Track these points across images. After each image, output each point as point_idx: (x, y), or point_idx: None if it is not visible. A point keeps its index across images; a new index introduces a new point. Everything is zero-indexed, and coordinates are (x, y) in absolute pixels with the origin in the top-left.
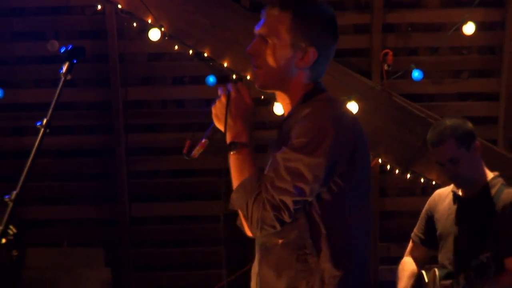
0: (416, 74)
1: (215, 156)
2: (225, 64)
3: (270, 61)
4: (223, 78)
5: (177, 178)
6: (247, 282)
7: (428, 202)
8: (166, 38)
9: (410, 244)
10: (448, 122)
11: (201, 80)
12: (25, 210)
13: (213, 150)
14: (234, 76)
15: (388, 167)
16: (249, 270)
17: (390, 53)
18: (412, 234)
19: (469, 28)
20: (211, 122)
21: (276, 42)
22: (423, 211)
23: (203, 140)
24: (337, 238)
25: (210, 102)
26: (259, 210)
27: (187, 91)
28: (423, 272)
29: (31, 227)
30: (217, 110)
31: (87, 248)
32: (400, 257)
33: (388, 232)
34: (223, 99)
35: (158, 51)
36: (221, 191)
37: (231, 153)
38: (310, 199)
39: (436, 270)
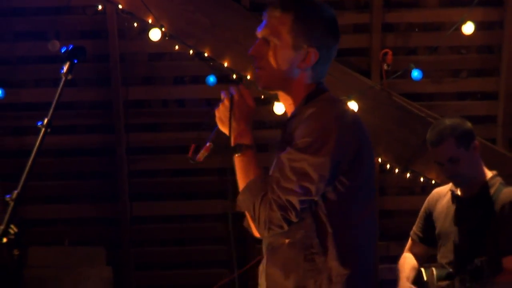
0: (416, 73)
1: (215, 156)
2: (226, 64)
3: (272, 62)
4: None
5: (178, 177)
6: (247, 281)
7: (426, 200)
8: (167, 38)
9: (409, 242)
10: (448, 121)
11: (202, 79)
12: (26, 210)
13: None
14: (234, 76)
15: (388, 166)
16: (250, 269)
17: (390, 52)
18: (411, 232)
19: (468, 28)
20: (213, 122)
21: (277, 43)
22: (422, 209)
23: (208, 144)
24: (344, 236)
25: (210, 101)
26: (266, 210)
27: (188, 90)
28: (422, 269)
29: (32, 226)
30: (221, 113)
31: (88, 247)
32: (400, 256)
33: (387, 231)
34: (226, 102)
35: (158, 51)
36: (229, 191)
37: (236, 155)
38: (316, 198)
39: (434, 269)
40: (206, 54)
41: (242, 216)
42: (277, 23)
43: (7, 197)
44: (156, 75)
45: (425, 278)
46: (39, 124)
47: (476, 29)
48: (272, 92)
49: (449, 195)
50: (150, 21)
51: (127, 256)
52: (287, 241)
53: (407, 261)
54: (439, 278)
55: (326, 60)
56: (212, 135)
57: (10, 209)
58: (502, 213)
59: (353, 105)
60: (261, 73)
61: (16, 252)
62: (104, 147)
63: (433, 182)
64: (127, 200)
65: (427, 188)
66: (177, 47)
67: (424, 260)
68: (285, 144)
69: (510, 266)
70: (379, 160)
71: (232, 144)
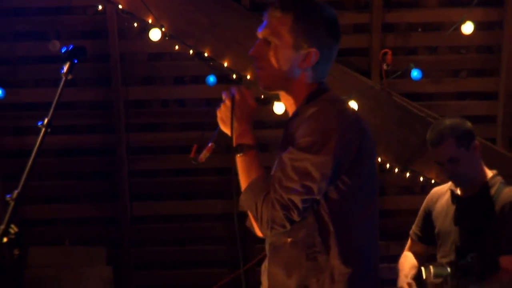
0: (416, 73)
1: (216, 156)
2: (225, 64)
3: (273, 62)
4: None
5: (178, 177)
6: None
7: (426, 199)
8: (167, 38)
9: (409, 241)
10: (448, 122)
11: (202, 79)
12: (27, 209)
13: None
14: (234, 76)
15: (388, 166)
16: (250, 268)
17: (390, 52)
18: (411, 231)
19: (468, 28)
20: (213, 121)
21: (278, 43)
22: (421, 208)
23: (210, 144)
24: (346, 235)
25: (210, 101)
26: (269, 210)
27: (188, 90)
28: (422, 268)
29: (33, 226)
30: (222, 114)
31: (88, 247)
32: (399, 255)
33: (387, 231)
34: (227, 102)
35: (158, 51)
36: (233, 190)
37: (238, 155)
38: (318, 197)
39: (432, 267)
40: (206, 54)
41: (244, 216)
42: (278, 24)
43: (8, 197)
44: (156, 75)
45: (424, 277)
46: (39, 124)
47: (476, 29)
48: (273, 92)
49: (448, 194)
50: (150, 21)
51: (127, 256)
52: (289, 240)
53: (407, 260)
54: (436, 276)
55: (327, 60)
56: (214, 136)
57: (10, 209)
58: (502, 213)
59: (353, 105)
60: (262, 73)
61: (16, 252)
62: (104, 147)
63: (433, 181)
64: (127, 200)
65: (427, 188)
66: (177, 47)
67: (423, 259)
68: (286, 144)
69: (507, 265)
70: (379, 159)
71: (234, 144)
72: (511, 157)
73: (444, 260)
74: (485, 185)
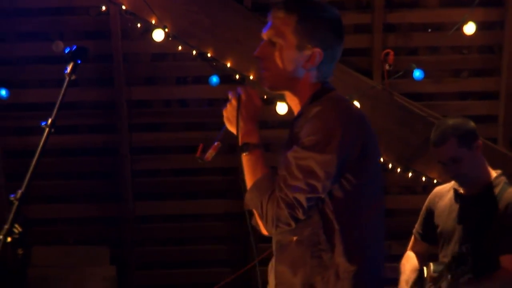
0: (417, 73)
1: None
2: (228, 64)
3: (278, 62)
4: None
5: (180, 177)
6: (250, 279)
7: (428, 198)
8: (170, 38)
9: (412, 240)
10: (450, 121)
11: (204, 80)
12: (30, 209)
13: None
14: (237, 76)
15: (390, 165)
16: (252, 268)
17: (392, 52)
18: (414, 230)
19: (469, 28)
20: (215, 121)
21: (282, 44)
22: (424, 207)
23: (216, 143)
24: (351, 233)
25: (213, 101)
26: (274, 208)
27: (190, 91)
28: (424, 268)
29: (36, 225)
30: (228, 113)
31: (92, 246)
32: (401, 255)
33: (388, 230)
34: (233, 102)
35: (161, 51)
36: (242, 189)
37: (244, 154)
38: (322, 195)
39: (432, 264)
40: (209, 55)
41: (243, 215)
42: (281, 24)
43: (12, 197)
44: (159, 75)
45: (425, 275)
46: (43, 124)
47: (477, 29)
48: (278, 92)
49: (451, 193)
50: (153, 21)
51: (130, 255)
52: (295, 238)
53: (409, 262)
54: (435, 271)
55: (331, 60)
56: (220, 135)
57: (14, 208)
58: (506, 212)
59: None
60: (267, 74)
61: (20, 251)
62: (107, 147)
63: (435, 181)
64: (130, 199)
65: (429, 188)
66: (180, 47)
67: (426, 258)
68: (291, 144)
69: (507, 265)
70: (381, 159)
71: (240, 143)
72: None
73: (447, 260)
74: (489, 184)
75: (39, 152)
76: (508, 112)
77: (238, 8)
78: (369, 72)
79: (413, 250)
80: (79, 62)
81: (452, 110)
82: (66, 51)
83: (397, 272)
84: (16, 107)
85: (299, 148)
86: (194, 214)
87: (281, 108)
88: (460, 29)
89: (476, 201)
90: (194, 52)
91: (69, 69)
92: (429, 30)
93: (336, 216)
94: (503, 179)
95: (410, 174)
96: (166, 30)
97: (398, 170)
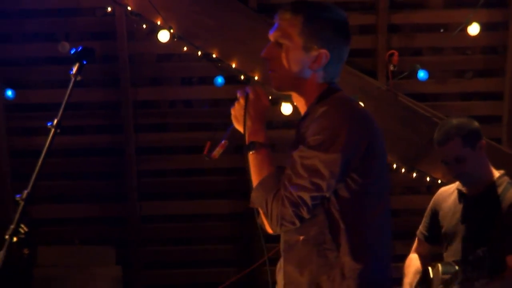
0: (422, 74)
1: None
2: (233, 65)
3: (284, 64)
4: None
5: (186, 177)
6: (255, 279)
7: (433, 199)
8: (175, 39)
9: (416, 241)
10: (454, 121)
11: (209, 80)
12: (36, 209)
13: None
14: (242, 77)
15: (394, 166)
16: (258, 267)
17: (396, 53)
18: (418, 231)
19: (473, 29)
20: (219, 121)
21: (289, 45)
22: (428, 208)
23: (223, 141)
24: (356, 232)
25: (218, 102)
26: (279, 207)
27: (196, 91)
28: (429, 268)
29: (42, 226)
30: (236, 112)
31: (97, 246)
32: (405, 255)
33: (392, 230)
34: (241, 101)
35: (167, 52)
36: (249, 189)
37: (250, 153)
38: (327, 195)
39: (440, 265)
40: (214, 55)
41: (248, 215)
42: (288, 26)
43: (18, 197)
44: (164, 76)
45: (431, 276)
46: (48, 124)
47: (481, 30)
48: (285, 93)
49: (455, 194)
50: (158, 22)
51: (136, 255)
52: (301, 238)
53: (412, 263)
54: (444, 273)
55: (338, 61)
56: (227, 133)
57: (20, 208)
58: (509, 212)
59: None
60: (274, 75)
61: (25, 251)
62: (113, 147)
63: (439, 181)
64: (135, 199)
65: (433, 188)
66: (185, 48)
67: (430, 259)
68: (298, 144)
69: None
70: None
71: (247, 142)
72: None
73: (451, 259)
74: (492, 184)
75: (45, 152)
76: None
77: (243, 9)
78: (373, 72)
79: (417, 251)
80: (85, 62)
81: (456, 110)
82: (72, 52)
83: (400, 272)
84: (22, 108)
85: (304, 148)
86: (200, 214)
87: (286, 109)
88: (464, 29)
89: (479, 201)
90: (199, 53)
91: (74, 69)
92: (442, 30)
93: (342, 216)
94: (506, 179)
95: (414, 174)
96: (172, 31)
97: (403, 170)
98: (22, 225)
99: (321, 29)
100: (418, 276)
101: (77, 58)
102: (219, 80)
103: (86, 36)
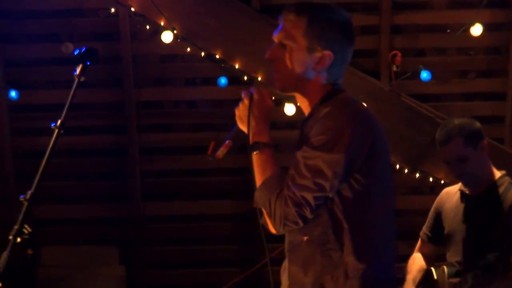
0: (425, 75)
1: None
2: (237, 66)
3: (288, 65)
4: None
5: (189, 177)
6: (259, 279)
7: (436, 200)
8: (178, 40)
9: (419, 242)
10: (456, 121)
11: (213, 81)
12: (40, 209)
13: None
14: (245, 78)
15: (397, 166)
16: (261, 268)
17: (399, 54)
18: (421, 232)
19: (476, 30)
20: (224, 122)
21: (293, 46)
22: (432, 209)
23: (227, 142)
24: (360, 232)
25: (223, 102)
26: (282, 206)
27: (199, 92)
28: (432, 269)
29: (46, 226)
30: (240, 112)
31: (101, 247)
32: (408, 255)
33: (396, 230)
34: (246, 101)
35: (170, 52)
36: (253, 189)
37: (254, 153)
38: (330, 195)
39: (445, 267)
40: (217, 56)
41: (251, 215)
42: (292, 27)
43: (21, 198)
44: (167, 77)
45: (435, 277)
46: (52, 125)
47: (484, 30)
48: (289, 94)
49: (458, 194)
50: (162, 23)
51: (139, 255)
52: (305, 238)
53: (416, 262)
54: (450, 275)
55: (342, 62)
56: (232, 133)
57: (24, 209)
58: (510, 212)
59: None
60: (278, 76)
61: (29, 251)
62: (116, 147)
63: (442, 182)
64: (139, 200)
65: (436, 188)
66: (188, 49)
67: (433, 260)
68: (301, 144)
69: None
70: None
71: (250, 142)
72: None
73: (453, 259)
74: (493, 184)
75: (49, 153)
76: None
77: (245, 9)
78: (376, 73)
79: (420, 251)
80: (88, 63)
81: (458, 111)
82: (76, 53)
83: (403, 272)
84: (26, 108)
85: (308, 148)
86: (203, 214)
87: (289, 109)
88: (467, 30)
89: (480, 201)
90: (203, 54)
91: (78, 70)
92: (448, 31)
93: (345, 216)
94: (508, 179)
95: (417, 175)
96: (175, 31)
97: (406, 170)
98: (26, 226)
99: (324, 30)
100: (421, 273)
101: (80, 59)
102: (223, 80)
103: (89, 37)
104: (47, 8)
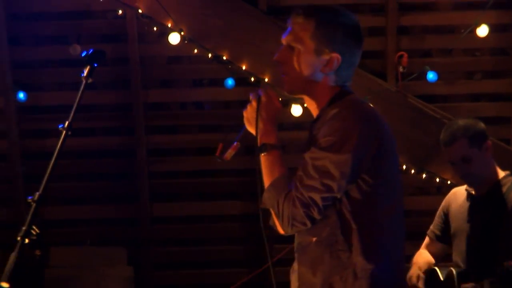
0: (431, 75)
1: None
2: (243, 67)
3: (296, 67)
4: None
5: (196, 178)
6: (267, 280)
7: (445, 199)
8: (186, 41)
9: (426, 240)
10: (461, 122)
11: (220, 82)
12: (48, 210)
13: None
14: (252, 79)
15: (404, 167)
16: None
17: (405, 55)
18: (428, 231)
19: (482, 31)
20: (231, 123)
21: (301, 48)
22: (440, 208)
23: (235, 143)
24: (368, 233)
25: (228, 104)
26: (290, 207)
27: (206, 93)
28: (437, 269)
29: (54, 227)
30: (248, 114)
31: (109, 247)
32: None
33: None
34: (254, 103)
35: (177, 54)
36: (259, 190)
37: (262, 154)
38: (338, 195)
39: (453, 269)
40: (224, 57)
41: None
42: (300, 29)
43: (29, 199)
44: (175, 78)
45: (441, 278)
46: (60, 126)
47: (490, 31)
48: (297, 96)
49: (465, 194)
50: (169, 25)
51: (147, 255)
52: (314, 239)
53: (422, 256)
54: (460, 279)
55: (350, 65)
56: (240, 135)
57: (32, 210)
58: None
59: None
60: (286, 78)
61: (37, 252)
62: (124, 149)
63: (449, 182)
64: (147, 200)
65: (443, 189)
66: (195, 50)
67: (439, 259)
68: (310, 146)
69: None
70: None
71: (258, 143)
72: None
73: (458, 259)
74: (497, 184)
75: (57, 154)
76: None
77: (252, 11)
78: (383, 74)
79: (427, 249)
80: (96, 65)
81: (465, 111)
82: (83, 55)
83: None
84: (34, 110)
85: (316, 149)
86: (210, 215)
87: (296, 111)
88: (473, 31)
89: (483, 201)
90: (210, 55)
91: (86, 72)
92: (462, 31)
93: (354, 216)
94: (511, 179)
95: (424, 175)
96: (182, 33)
97: (412, 171)
98: (34, 227)
99: (332, 33)
100: (428, 266)
101: (88, 60)
102: (230, 82)
103: (97, 39)
104: (55, 10)
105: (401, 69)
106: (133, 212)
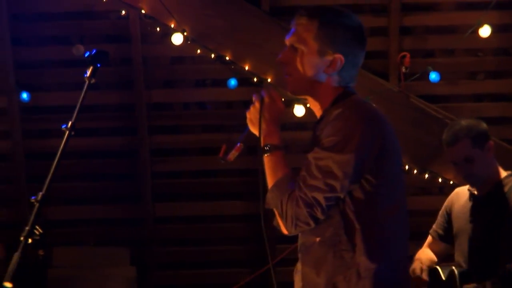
0: (434, 76)
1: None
2: (246, 67)
3: (300, 68)
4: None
5: (199, 179)
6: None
7: (447, 199)
8: (189, 42)
9: (428, 239)
10: (463, 122)
11: (223, 83)
12: (51, 211)
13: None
14: (255, 79)
15: (406, 167)
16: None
17: (408, 55)
18: (431, 230)
19: (485, 31)
20: (234, 123)
21: (304, 49)
22: (442, 207)
23: (238, 144)
24: (371, 232)
25: (231, 104)
26: (293, 207)
27: (209, 93)
28: (439, 268)
29: (57, 227)
30: (252, 115)
31: (111, 247)
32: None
33: None
34: (257, 104)
35: (180, 54)
36: (260, 191)
37: (265, 155)
38: (341, 195)
39: (455, 269)
40: (227, 58)
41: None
42: (303, 30)
43: (33, 199)
44: (178, 79)
45: (443, 278)
46: (63, 127)
47: (492, 31)
48: (300, 97)
49: (468, 194)
50: (172, 25)
51: (150, 256)
52: (317, 239)
53: (425, 252)
54: (462, 280)
55: (353, 66)
56: (243, 136)
57: (35, 210)
58: None
59: None
60: (289, 79)
61: (40, 252)
62: (127, 149)
63: (451, 182)
64: (150, 201)
65: (445, 189)
66: (198, 50)
67: (441, 258)
68: (313, 147)
69: None
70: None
71: (262, 144)
72: None
73: (460, 259)
74: (499, 183)
75: (60, 154)
76: None
77: (255, 11)
78: (385, 74)
79: (429, 248)
80: (99, 65)
81: (467, 112)
82: (86, 55)
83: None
84: (37, 110)
85: (319, 149)
86: (213, 215)
87: (299, 111)
88: (475, 31)
89: (486, 200)
90: (213, 55)
91: (89, 72)
92: (470, 31)
93: (357, 216)
94: None
95: (426, 175)
96: (185, 33)
97: (415, 171)
98: (37, 227)
99: (335, 34)
100: (430, 262)
101: (91, 61)
102: (232, 82)
103: (100, 39)
104: (58, 11)
105: (403, 69)
106: (136, 212)
